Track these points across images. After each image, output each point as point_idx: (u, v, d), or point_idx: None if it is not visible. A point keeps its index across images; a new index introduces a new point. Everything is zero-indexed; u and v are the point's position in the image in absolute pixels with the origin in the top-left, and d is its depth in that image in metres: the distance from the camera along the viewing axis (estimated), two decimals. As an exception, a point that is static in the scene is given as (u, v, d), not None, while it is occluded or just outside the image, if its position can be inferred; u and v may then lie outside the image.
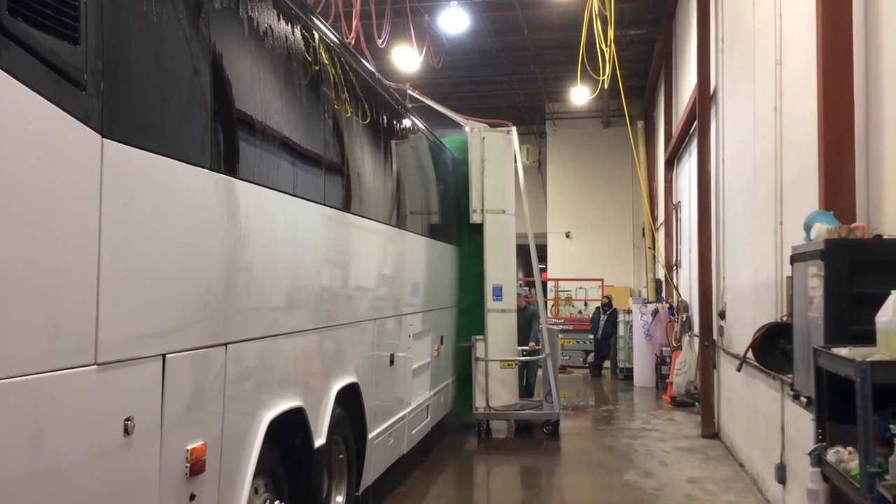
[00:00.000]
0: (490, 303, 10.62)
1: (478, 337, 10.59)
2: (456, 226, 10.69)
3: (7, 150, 2.53)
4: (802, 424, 5.67)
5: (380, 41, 11.95)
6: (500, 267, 10.81)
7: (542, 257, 20.36)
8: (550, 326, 11.67)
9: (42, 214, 2.69)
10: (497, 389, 10.62)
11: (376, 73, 7.36)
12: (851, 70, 5.04)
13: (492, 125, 11.09)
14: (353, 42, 10.47)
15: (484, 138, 10.82)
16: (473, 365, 10.54)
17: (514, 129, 11.21)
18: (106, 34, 2.98)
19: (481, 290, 10.69)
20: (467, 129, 11.03)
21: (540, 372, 11.94)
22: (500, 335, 10.70)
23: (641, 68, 19.43)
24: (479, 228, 10.78)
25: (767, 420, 7.26)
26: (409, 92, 10.61)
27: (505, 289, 10.79)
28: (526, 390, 11.99)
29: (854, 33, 5.06)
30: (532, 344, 11.54)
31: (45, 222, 2.70)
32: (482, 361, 10.52)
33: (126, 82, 3.17)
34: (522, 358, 11.36)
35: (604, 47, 12.31)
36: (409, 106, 9.50)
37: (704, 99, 10.82)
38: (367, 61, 7.97)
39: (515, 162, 11.10)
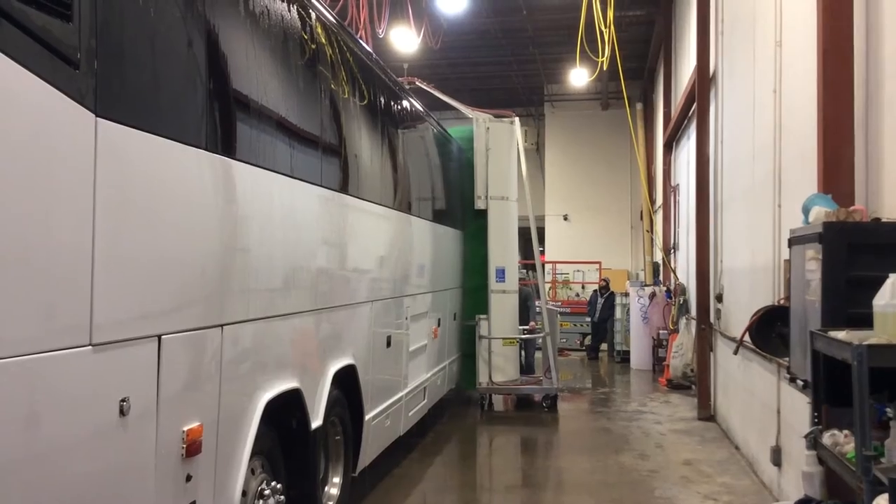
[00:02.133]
0: (493, 284, 11.14)
1: (481, 316, 11.06)
2: (460, 211, 11.10)
3: (-1, 128, 2.50)
4: (798, 407, 5.69)
5: (379, 30, 11.91)
6: (502, 250, 11.33)
7: (540, 240, 20.35)
8: (550, 307, 11.97)
9: (35, 194, 2.66)
10: (499, 365, 11.16)
11: (374, 55, 7.31)
12: (851, 51, 5.01)
13: (496, 116, 11.55)
14: (368, 40, 10.47)
15: (488, 128, 11.34)
16: (477, 342, 11.03)
17: (517, 120, 11.71)
18: (100, 12, 2.94)
19: (486, 271, 11.12)
20: (472, 118, 11.48)
21: (539, 353, 12.34)
22: (502, 314, 11.21)
23: (641, 50, 19.31)
24: (483, 214, 11.24)
25: (763, 403, 7.28)
26: (417, 84, 10.93)
27: (507, 271, 11.30)
28: (526, 368, 12.53)
29: (854, 14, 5.02)
30: (532, 324, 12.13)
31: (39, 202, 2.67)
32: (485, 339, 11.01)
33: (120, 61, 3.13)
34: (523, 336, 11.85)
35: (603, 28, 12.26)
36: (408, 88, 9.51)
37: (704, 81, 10.76)
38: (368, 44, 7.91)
39: (518, 151, 11.54)
